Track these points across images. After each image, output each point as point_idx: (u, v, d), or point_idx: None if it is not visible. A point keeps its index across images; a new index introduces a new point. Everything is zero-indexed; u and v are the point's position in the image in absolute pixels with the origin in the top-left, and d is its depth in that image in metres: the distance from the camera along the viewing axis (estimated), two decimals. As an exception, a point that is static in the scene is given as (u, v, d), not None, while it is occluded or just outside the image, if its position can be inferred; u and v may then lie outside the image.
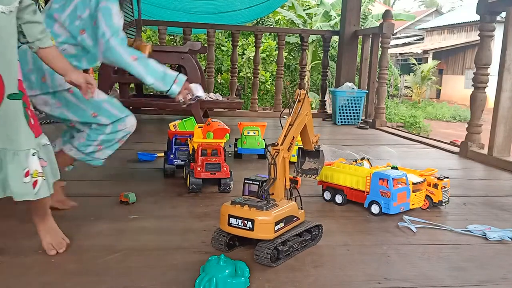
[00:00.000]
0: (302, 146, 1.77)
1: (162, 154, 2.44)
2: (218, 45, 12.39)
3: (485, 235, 1.66)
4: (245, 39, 13.01)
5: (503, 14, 3.09)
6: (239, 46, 11.28)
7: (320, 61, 7.70)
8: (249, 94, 10.27)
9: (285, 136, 1.47)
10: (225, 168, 2.08)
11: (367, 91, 5.10)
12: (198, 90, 1.84)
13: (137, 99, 4.56)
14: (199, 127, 2.37)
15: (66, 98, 1.69)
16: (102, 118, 1.71)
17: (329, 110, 5.92)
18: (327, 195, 2.03)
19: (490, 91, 3.23)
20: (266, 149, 1.44)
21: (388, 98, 17.92)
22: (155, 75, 1.70)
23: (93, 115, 1.70)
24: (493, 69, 3.01)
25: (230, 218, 1.35)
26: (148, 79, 1.69)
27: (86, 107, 1.70)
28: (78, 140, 1.75)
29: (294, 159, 1.79)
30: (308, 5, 17.19)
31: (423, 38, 28.02)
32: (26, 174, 1.24)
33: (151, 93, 5.30)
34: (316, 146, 1.74)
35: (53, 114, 1.74)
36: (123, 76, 4.20)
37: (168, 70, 1.75)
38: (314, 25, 15.45)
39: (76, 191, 2.04)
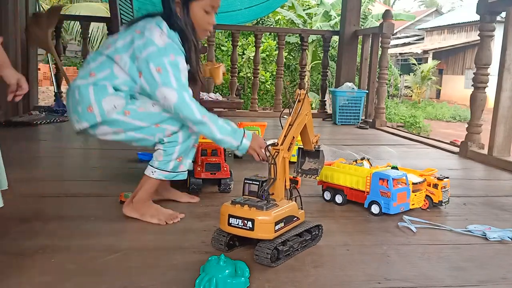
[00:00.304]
0: (302, 146, 1.76)
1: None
2: (218, 45, 12.39)
3: (485, 235, 1.66)
4: (245, 39, 13.02)
5: (503, 14, 3.09)
6: (239, 46, 11.28)
7: (320, 61, 7.70)
8: (249, 94, 10.26)
9: (285, 136, 1.47)
10: (225, 168, 2.07)
11: (367, 91, 5.11)
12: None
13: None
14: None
15: (123, 121, 1.62)
16: (167, 125, 1.66)
17: (329, 110, 5.93)
18: (327, 195, 2.03)
19: (490, 91, 3.23)
20: (266, 149, 1.44)
21: (388, 98, 17.93)
22: (225, 131, 1.62)
23: (156, 126, 1.65)
24: (493, 69, 3.01)
25: (230, 218, 1.35)
26: (218, 136, 1.61)
27: (147, 123, 1.64)
28: (156, 160, 1.70)
29: (294, 159, 1.79)
30: (308, 5, 17.20)
31: (423, 38, 28.03)
32: None
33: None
34: (316, 146, 1.74)
35: (119, 140, 1.69)
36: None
37: (235, 126, 1.67)
38: (314, 25, 15.46)
39: (76, 191, 2.05)
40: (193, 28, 1.69)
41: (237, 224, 1.34)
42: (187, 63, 1.66)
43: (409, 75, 22.45)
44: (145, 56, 1.57)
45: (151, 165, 1.71)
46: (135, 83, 1.63)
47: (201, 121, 1.59)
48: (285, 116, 1.61)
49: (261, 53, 11.80)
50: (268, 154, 1.43)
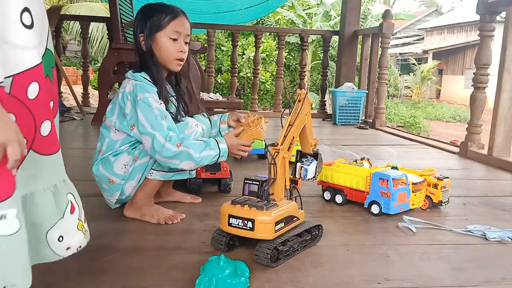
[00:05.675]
0: (300, 149, 1.75)
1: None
2: (218, 45, 12.40)
3: (485, 235, 1.66)
4: (245, 39, 13.03)
5: (503, 14, 3.10)
6: (239, 46, 11.28)
7: (320, 61, 7.70)
8: (249, 94, 10.26)
9: (284, 136, 1.47)
10: (225, 168, 2.08)
11: (367, 91, 5.10)
12: (308, 172, 1.65)
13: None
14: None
15: (138, 166, 1.67)
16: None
17: (329, 110, 5.92)
18: (327, 195, 2.03)
19: (490, 91, 3.23)
20: (266, 149, 1.44)
21: (388, 98, 17.94)
22: (199, 148, 1.59)
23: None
24: (493, 69, 3.01)
25: (230, 218, 1.35)
26: (196, 156, 1.58)
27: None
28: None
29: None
30: (308, 5, 17.21)
31: (423, 38, 28.04)
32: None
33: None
34: (315, 150, 1.72)
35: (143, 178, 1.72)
36: (123, 76, 4.19)
37: (202, 138, 1.69)
38: (314, 25, 15.47)
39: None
40: (160, 61, 1.70)
41: (237, 224, 1.34)
42: (159, 98, 1.64)
43: (409, 75, 22.46)
44: (128, 111, 1.64)
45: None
46: (131, 137, 1.68)
47: (178, 152, 1.55)
48: (285, 116, 1.61)
49: (261, 53, 11.81)
50: (268, 154, 1.43)
